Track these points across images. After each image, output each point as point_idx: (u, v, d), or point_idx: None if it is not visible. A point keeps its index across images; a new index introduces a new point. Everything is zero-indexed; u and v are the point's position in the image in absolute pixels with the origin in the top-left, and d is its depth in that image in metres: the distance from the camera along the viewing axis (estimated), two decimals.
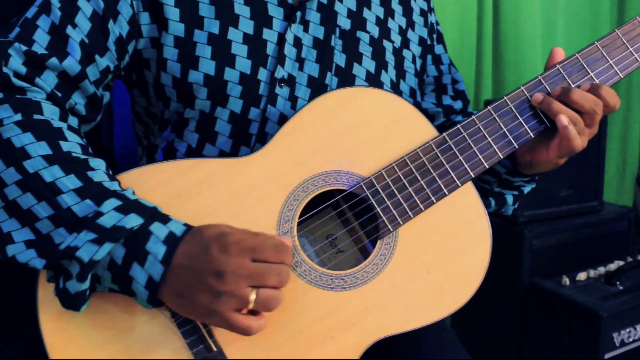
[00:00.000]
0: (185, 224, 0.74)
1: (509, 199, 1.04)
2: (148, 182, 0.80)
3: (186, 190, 0.80)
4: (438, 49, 1.12)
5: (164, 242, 0.72)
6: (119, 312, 0.77)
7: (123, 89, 1.11)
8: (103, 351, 0.76)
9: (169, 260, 0.71)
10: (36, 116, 0.76)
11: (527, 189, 1.04)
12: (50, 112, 0.78)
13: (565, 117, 0.86)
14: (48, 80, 0.80)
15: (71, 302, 0.72)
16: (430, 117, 1.11)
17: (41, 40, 0.80)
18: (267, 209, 0.81)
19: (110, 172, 0.78)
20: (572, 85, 0.88)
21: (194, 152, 0.92)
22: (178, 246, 0.72)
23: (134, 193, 0.76)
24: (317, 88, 0.93)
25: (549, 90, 0.89)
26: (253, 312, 0.73)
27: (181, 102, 0.90)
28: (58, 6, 0.82)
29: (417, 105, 1.04)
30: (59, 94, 0.81)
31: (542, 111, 0.88)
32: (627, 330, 1.57)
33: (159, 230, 0.72)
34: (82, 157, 0.76)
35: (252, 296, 0.70)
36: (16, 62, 0.78)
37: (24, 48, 0.78)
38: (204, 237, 0.72)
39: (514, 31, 2.02)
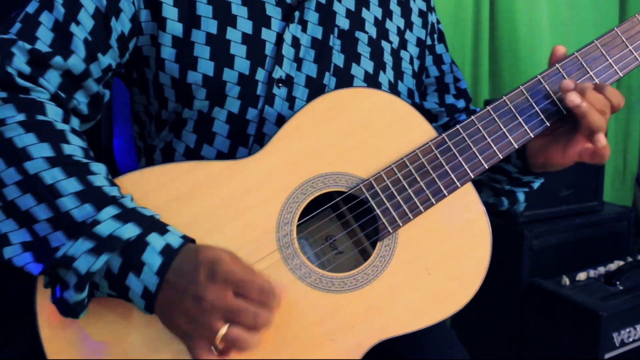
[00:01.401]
0: (183, 236, 0.74)
1: (521, 196, 1.04)
2: (147, 185, 0.80)
3: (185, 193, 0.80)
4: (439, 48, 1.12)
5: (161, 253, 0.71)
6: (118, 316, 0.76)
7: (123, 90, 1.11)
8: (103, 354, 0.76)
9: (164, 271, 0.71)
10: (39, 117, 0.75)
11: (536, 184, 1.03)
12: (53, 113, 0.78)
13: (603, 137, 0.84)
14: (52, 80, 0.79)
15: (70, 311, 0.72)
16: (434, 116, 1.10)
17: (45, 37, 0.79)
18: (266, 212, 0.81)
19: (111, 177, 0.77)
20: None
21: (192, 153, 0.91)
22: (174, 259, 0.71)
23: (132, 200, 0.76)
24: (315, 88, 0.93)
25: (548, 90, 0.88)
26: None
27: (179, 102, 0.90)
28: (60, 2, 0.81)
29: (414, 106, 1.04)
30: (63, 95, 0.80)
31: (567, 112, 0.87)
32: (627, 330, 1.57)
33: (155, 241, 0.72)
34: (84, 160, 0.75)
35: (222, 331, 0.68)
36: (20, 61, 0.77)
37: (28, 46, 0.77)
38: (197, 258, 0.71)
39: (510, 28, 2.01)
